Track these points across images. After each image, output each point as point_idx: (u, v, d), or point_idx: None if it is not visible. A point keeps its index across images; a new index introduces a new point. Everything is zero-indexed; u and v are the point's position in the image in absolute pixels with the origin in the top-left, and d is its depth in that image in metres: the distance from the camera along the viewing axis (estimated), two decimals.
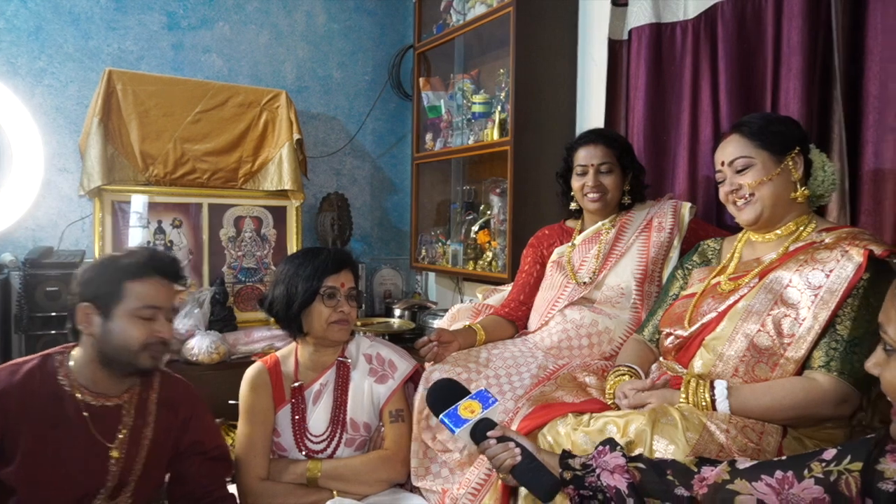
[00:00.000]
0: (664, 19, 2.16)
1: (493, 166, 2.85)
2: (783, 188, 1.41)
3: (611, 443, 1.12)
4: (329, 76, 3.46)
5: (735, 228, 1.62)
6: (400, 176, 3.67)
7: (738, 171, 1.43)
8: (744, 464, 0.98)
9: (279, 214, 3.09)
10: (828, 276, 1.27)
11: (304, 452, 1.67)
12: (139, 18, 2.98)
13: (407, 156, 3.55)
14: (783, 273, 1.34)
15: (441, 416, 1.26)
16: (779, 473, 0.92)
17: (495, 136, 2.67)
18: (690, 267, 1.62)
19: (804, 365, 1.27)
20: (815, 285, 1.28)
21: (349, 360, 1.74)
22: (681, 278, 1.63)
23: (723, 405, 1.27)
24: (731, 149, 1.45)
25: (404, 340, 2.83)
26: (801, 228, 1.41)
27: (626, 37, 2.29)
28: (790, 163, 1.41)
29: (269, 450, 1.68)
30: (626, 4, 2.28)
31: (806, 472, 0.89)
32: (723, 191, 1.48)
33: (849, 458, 0.86)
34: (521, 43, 2.51)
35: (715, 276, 1.49)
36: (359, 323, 3.01)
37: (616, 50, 2.34)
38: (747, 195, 1.42)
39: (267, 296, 1.72)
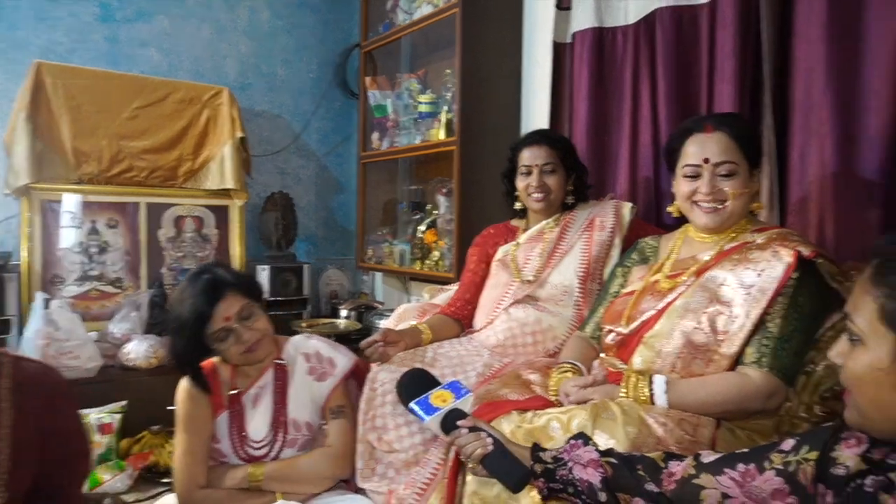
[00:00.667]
0: (606, 24, 2.21)
1: (440, 166, 2.86)
2: (748, 201, 1.44)
3: (583, 437, 1.11)
4: (273, 73, 3.40)
5: (673, 227, 1.67)
6: (346, 175, 3.64)
7: (723, 175, 1.41)
8: (708, 458, 0.99)
9: (221, 214, 3.02)
10: (759, 275, 1.32)
11: (244, 459, 1.64)
12: (70, 9, 2.86)
13: (353, 155, 3.52)
14: (718, 272, 1.38)
15: (411, 403, 1.22)
16: (741, 466, 0.93)
17: (442, 135, 2.68)
18: (630, 265, 1.66)
19: (737, 360, 1.32)
20: (747, 284, 1.33)
21: (286, 362, 1.71)
22: (621, 276, 1.67)
23: (661, 399, 1.31)
24: (718, 149, 1.40)
25: (351, 341, 2.80)
26: (738, 230, 1.45)
27: (569, 40, 2.34)
28: (755, 176, 1.44)
29: (208, 457, 1.63)
30: (569, 8, 2.33)
31: (766, 463, 0.91)
32: (692, 188, 1.44)
33: (806, 447, 0.88)
34: (467, 44, 2.52)
35: (653, 275, 1.53)
36: (304, 324, 2.97)
37: (560, 53, 2.38)
38: (724, 202, 1.41)
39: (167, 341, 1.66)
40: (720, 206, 1.42)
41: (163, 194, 2.88)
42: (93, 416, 2.16)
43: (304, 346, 1.74)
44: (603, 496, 1.02)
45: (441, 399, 1.20)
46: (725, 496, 0.93)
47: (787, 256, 1.31)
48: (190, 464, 1.59)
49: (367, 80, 3.20)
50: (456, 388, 1.22)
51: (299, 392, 1.68)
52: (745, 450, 0.97)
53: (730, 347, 1.31)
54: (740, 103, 1.78)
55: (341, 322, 3.12)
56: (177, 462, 1.61)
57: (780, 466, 0.89)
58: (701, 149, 1.42)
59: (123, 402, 2.26)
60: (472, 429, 1.16)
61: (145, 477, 2.13)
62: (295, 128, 3.48)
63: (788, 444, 0.90)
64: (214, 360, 1.68)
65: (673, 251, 1.55)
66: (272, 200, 3.27)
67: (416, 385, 1.26)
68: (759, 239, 1.40)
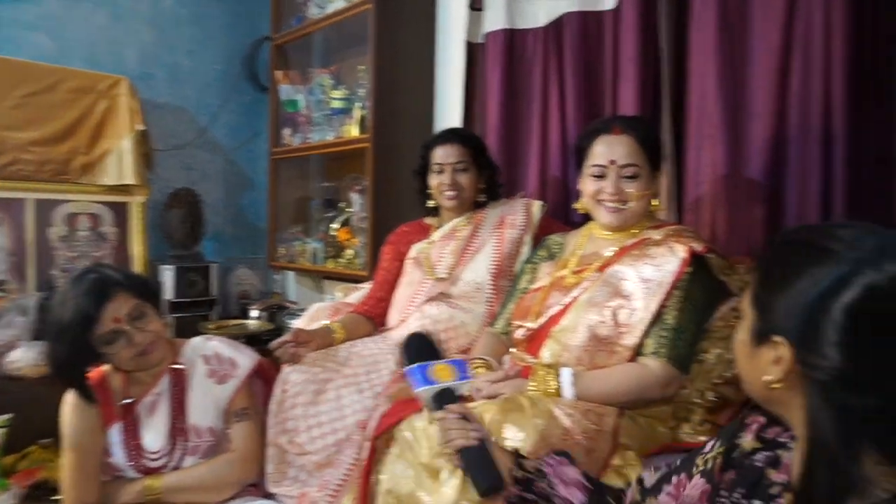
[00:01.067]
0: (517, 26, 2.26)
1: (354, 163, 2.82)
2: (648, 202, 1.51)
3: (568, 455, 1.08)
4: (177, 64, 3.24)
5: (581, 224, 1.72)
6: (256, 171, 3.53)
7: (627, 177, 1.47)
8: (650, 479, 1.01)
9: (120, 211, 2.85)
10: (657, 269, 1.39)
11: (139, 472, 1.54)
12: None
13: (263, 151, 3.42)
14: (620, 267, 1.45)
15: (410, 367, 1.14)
16: (675, 479, 0.96)
17: (355, 132, 2.65)
18: (538, 262, 1.71)
19: (637, 351, 1.39)
20: (646, 278, 1.40)
21: (184, 366, 1.62)
22: (529, 273, 1.71)
23: (569, 391, 1.35)
24: (624, 151, 1.46)
25: (262, 342, 2.72)
26: (638, 227, 1.53)
27: (482, 40, 2.37)
28: (656, 179, 1.51)
29: (99, 474, 1.53)
30: (482, 9, 2.36)
31: (694, 469, 0.94)
32: (598, 185, 1.49)
33: (719, 443, 0.93)
34: (381, 40, 2.50)
35: (560, 270, 1.58)
36: (212, 326, 2.86)
37: (473, 52, 2.41)
38: (627, 203, 1.48)
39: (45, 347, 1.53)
40: (623, 207, 1.48)
41: (54, 190, 2.68)
42: None
43: (202, 347, 1.66)
44: None
45: (441, 373, 1.13)
46: None
47: (681, 252, 1.39)
48: (79, 482, 1.49)
49: (278, 73, 3.12)
50: (462, 369, 1.14)
51: (199, 396, 1.60)
52: (678, 461, 0.99)
53: (630, 339, 1.38)
54: (642, 106, 1.86)
55: (252, 323, 3.02)
56: (65, 481, 1.50)
57: (703, 468, 0.94)
58: (608, 150, 1.48)
59: (8, 416, 2.09)
60: (462, 417, 1.08)
61: (33, 495, 1.97)
62: (201, 121, 3.34)
63: (709, 445, 0.95)
64: (104, 368, 1.58)
65: (578, 248, 1.60)
66: (177, 197, 3.12)
67: (420, 351, 1.21)
68: (657, 235, 1.47)
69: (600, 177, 1.49)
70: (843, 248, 0.72)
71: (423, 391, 1.13)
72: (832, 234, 0.74)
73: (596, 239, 1.58)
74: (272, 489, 1.59)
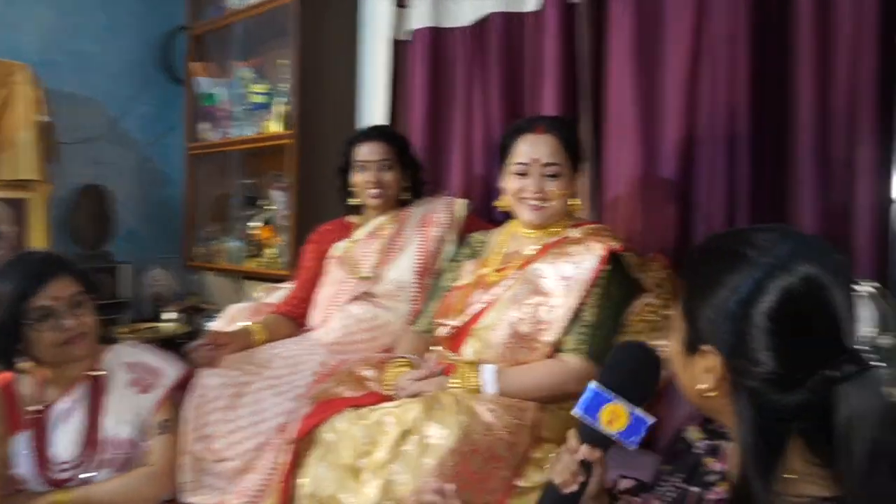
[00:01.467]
0: (443, 24, 2.26)
1: (275, 160, 2.75)
2: (567, 202, 1.54)
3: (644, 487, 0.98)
4: (83, 51, 3.05)
5: (503, 222, 1.75)
6: (172, 167, 3.37)
7: (549, 176, 1.49)
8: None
9: (19, 208, 2.65)
10: (575, 267, 1.43)
11: (47, 484, 1.45)
12: None
13: (180, 146, 3.27)
14: (540, 265, 1.48)
15: (595, 384, 0.93)
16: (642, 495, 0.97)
17: (277, 128, 2.59)
18: (461, 260, 1.72)
19: (556, 347, 1.42)
20: (565, 276, 1.43)
21: (104, 373, 1.54)
22: (453, 271, 1.71)
23: (490, 388, 1.37)
24: (547, 150, 1.49)
25: (178, 346, 2.61)
26: (559, 226, 1.56)
27: (407, 38, 2.36)
28: (577, 179, 1.55)
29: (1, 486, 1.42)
30: (407, 6, 2.35)
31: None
32: (521, 184, 1.51)
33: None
34: (304, 34, 2.45)
35: (482, 269, 1.59)
36: (124, 330, 2.71)
37: (398, 50, 2.39)
38: (548, 201, 1.50)
39: None
40: (544, 205, 1.51)
41: None
42: None
43: (126, 355, 1.59)
44: None
45: (612, 416, 0.91)
46: None
47: (599, 250, 1.43)
48: None
49: (196, 65, 3.00)
50: (635, 426, 0.90)
51: (119, 406, 1.52)
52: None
53: (550, 336, 1.41)
54: (563, 107, 1.91)
55: (167, 326, 2.89)
56: None
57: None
58: (531, 148, 1.51)
59: None
60: (585, 463, 0.91)
61: None
62: (112, 113, 3.15)
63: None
64: (10, 375, 1.48)
65: (500, 246, 1.62)
66: (85, 193, 2.94)
67: (629, 379, 0.93)
68: (577, 234, 1.51)
69: (523, 175, 1.51)
70: (758, 254, 0.74)
71: (581, 415, 0.93)
72: (748, 240, 0.76)
73: (518, 237, 1.61)
74: (189, 499, 1.53)
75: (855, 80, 1.46)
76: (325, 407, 1.41)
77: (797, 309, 0.71)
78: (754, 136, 1.59)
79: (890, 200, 1.47)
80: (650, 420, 0.91)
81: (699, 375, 0.78)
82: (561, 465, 0.93)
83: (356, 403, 1.39)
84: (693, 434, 0.93)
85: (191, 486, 1.53)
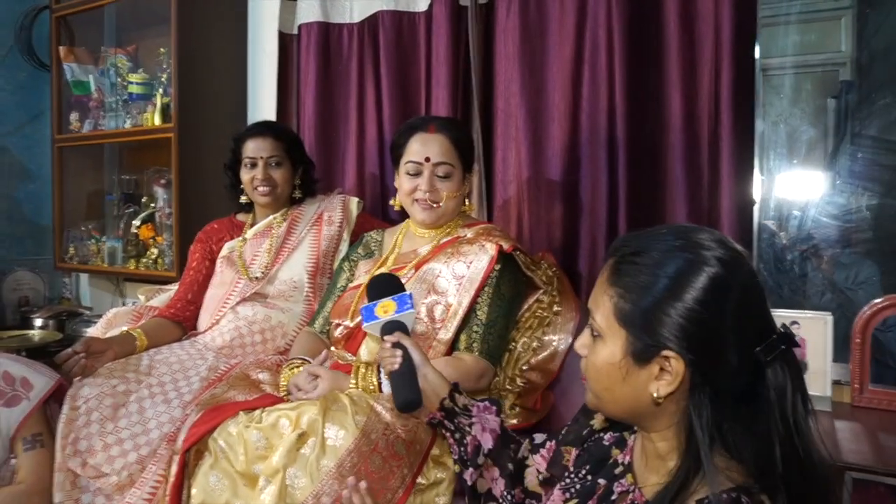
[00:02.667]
0: (332, 19, 2.23)
1: (157, 154, 2.59)
2: (461, 202, 1.57)
3: (498, 405, 1.14)
4: None
5: (398, 221, 1.76)
6: (37, 161, 3.08)
7: (440, 176, 1.51)
8: (538, 439, 1.09)
9: None
10: (468, 266, 1.47)
11: None
12: None
13: (46, 137, 3.00)
14: (435, 265, 1.50)
15: (364, 306, 1.23)
16: (548, 444, 1.06)
17: (157, 121, 2.44)
18: (356, 259, 1.71)
19: (452, 345, 1.45)
20: (459, 275, 1.47)
21: None
22: (347, 270, 1.71)
23: (387, 388, 1.37)
24: (439, 150, 1.50)
25: (50, 354, 2.41)
26: (452, 225, 1.59)
27: (296, 31, 2.31)
28: (468, 179, 1.58)
29: None
30: None
31: (560, 436, 1.03)
32: (413, 183, 1.52)
33: (581, 417, 1.01)
34: (185, 22, 2.33)
35: (378, 268, 1.60)
36: None
37: (287, 43, 2.33)
38: (438, 202, 1.52)
39: None
40: (435, 205, 1.53)
41: None
42: None
43: None
44: (480, 460, 1.07)
45: (384, 309, 1.22)
46: (539, 472, 1.05)
47: (490, 250, 1.48)
48: None
49: (62, 50, 2.76)
50: (402, 302, 1.22)
51: None
52: (564, 428, 1.05)
53: (446, 334, 1.44)
54: (454, 107, 1.95)
55: (36, 333, 2.65)
56: None
57: (563, 436, 1.02)
58: (423, 147, 1.52)
59: None
60: (396, 345, 1.17)
61: None
62: None
63: (574, 417, 1.02)
64: None
65: (396, 245, 1.64)
66: None
67: (380, 289, 1.25)
68: (469, 234, 1.55)
69: (415, 174, 1.53)
70: (708, 252, 0.74)
71: (368, 327, 1.24)
72: (688, 239, 0.76)
73: (413, 237, 1.62)
74: None
75: (717, 89, 1.60)
76: (215, 412, 1.35)
77: (751, 301, 0.74)
78: (631, 137, 1.70)
79: (751, 201, 1.63)
80: (407, 292, 1.24)
81: (649, 383, 0.76)
82: (381, 359, 1.18)
83: (249, 406, 1.35)
84: (597, 422, 0.95)
85: None
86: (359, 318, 1.50)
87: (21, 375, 1.48)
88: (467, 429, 1.10)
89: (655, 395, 0.75)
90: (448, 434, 1.13)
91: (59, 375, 1.52)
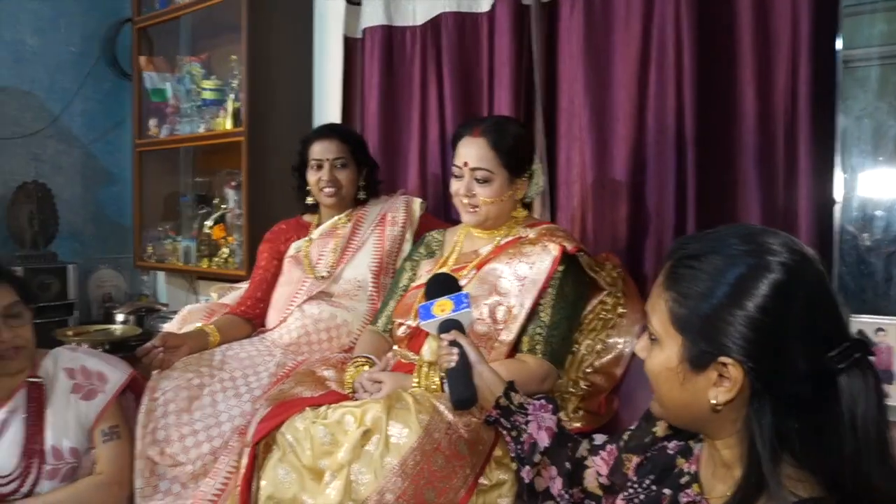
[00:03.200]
0: (395, 23, 2.26)
1: (228, 157, 2.70)
2: (509, 206, 1.55)
3: (554, 403, 1.14)
4: (21, 42, 2.93)
5: (459, 221, 1.76)
6: (119, 165, 3.27)
7: (478, 180, 1.50)
8: (599, 439, 1.08)
9: None
10: (531, 267, 1.46)
11: None
12: None
13: (127, 142, 3.18)
14: (496, 265, 1.50)
15: (421, 304, 1.26)
16: (609, 447, 1.04)
17: (228, 125, 2.54)
18: (418, 259, 1.73)
19: (515, 346, 1.44)
20: (521, 276, 1.46)
21: (43, 380, 1.48)
22: (409, 270, 1.72)
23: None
24: (478, 155, 1.49)
25: (130, 348, 2.54)
26: (513, 225, 1.58)
27: (360, 35, 2.35)
28: (520, 184, 1.55)
29: None
30: (359, 3, 2.33)
31: (621, 441, 1.02)
32: (456, 186, 1.54)
33: (643, 423, 0.98)
34: (254, 30, 2.41)
35: (439, 268, 1.61)
36: (70, 332, 2.62)
37: (351, 47, 2.38)
38: (476, 207, 1.52)
39: None
40: (474, 209, 1.53)
41: None
42: None
43: (66, 360, 1.52)
44: (536, 458, 1.07)
45: (441, 308, 1.23)
46: (599, 474, 1.04)
47: (553, 251, 1.46)
48: None
49: (142, 59, 2.91)
50: (458, 301, 1.24)
51: (61, 414, 1.47)
52: (619, 434, 1.05)
53: (508, 335, 1.43)
54: (516, 107, 1.94)
55: (117, 328, 2.81)
56: None
57: (622, 444, 1.01)
58: (465, 151, 1.52)
59: None
60: (453, 343, 1.19)
61: None
62: (52, 108, 3.03)
63: (634, 424, 1.01)
64: None
65: (457, 245, 1.64)
66: (24, 191, 2.82)
67: (437, 288, 1.27)
68: (531, 234, 1.54)
69: (459, 177, 1.53)
70: (771, 256, 0.71)
71: (425, 325, 1.26)
72: (754, 242, 0.73)
73: (473, 237, 1.63)
74: None
75: (794, 85, 1.53)
76: (283, 407, 1.39)
77: (818, 308, 0.71)
78: (701, 137, 1.64)
79: (832, 201, 1.54)
80: (463, 292, 1.26)
81: (707, 390, 0.74)
82: (437, 356, 1.21)
83: (315, 403, 1.38)
84: (660, 429, 0.93)
85: (145, 492, 1.49)
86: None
87: (97, 370, 1.54)
88: (524, 427, 1.10)
89: (714, 402, 0.73)
90: (505, 432, 1.13)
91: (133, 369, 1.59)
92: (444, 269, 1.58)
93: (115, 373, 1.55)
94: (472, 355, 1.17)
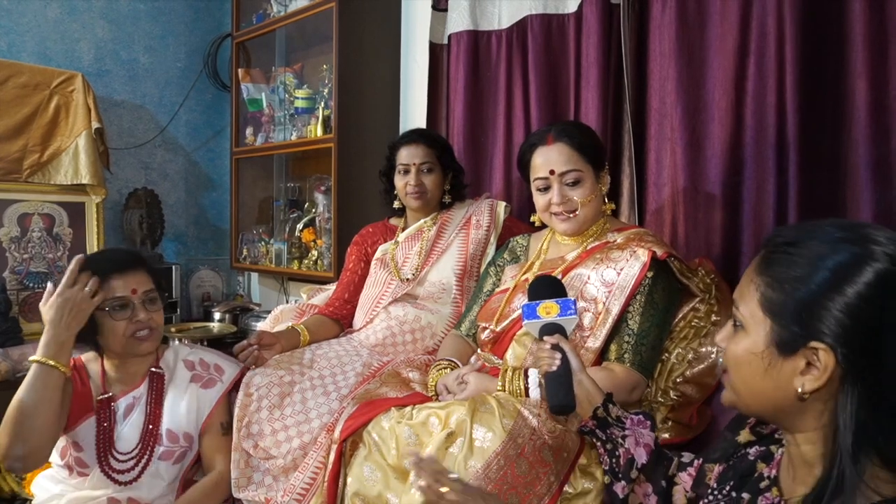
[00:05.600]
0: (481, 27, 2.27)
1: (318, 163, 2.80)
2: (599, 203, 1.52)
3: (652, 420, 1.12)
4: (135, 60, 3.16)
5: (544, 226, 1.74)
6: (218, 171, 3.46)
7: (570, 184, 1.47)
8: (687, 457, 1.06)
9: (76, 211, 2.76)
10: (619, 273, 1.41)
11: (106, 472, 1.50)
12: None
13: (226, 150, 3.36)
14: (583, 270, 1.46)
15: (524, 305, 1.25)
16: (695, 462, 1.02)
17: (319, 132, 2.63)
18: (502, 264, 1.72)
19: (602, 354, 1.41)
20: (608, 282, 1.42)
21: (164, 370, 1.60)
22: (493, 275, 1.72)
23: (535, 393, 1.36)
24: (562, 159, 1.46)
25: (226, 345, 2.68)
26: (599, 230, 1.55)
27: (445, 41, 2.37)
28: (603, 177, 1.52)
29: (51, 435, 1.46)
30: (445, 9, 2.36)
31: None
32: (545, 199, 1.50)
33: (728, 433, 0.95)
34: (345, 40, 2.49)
35: (524, 273, 1.59)
36: (173, 329, 2.80)
37: (437, 53, 2.41)
38: (575, 211, 1.48)
39: None
40: (572, 215, 1.49)
41: (4, 189, 2.59)
42: None
43: (184, 353, 1.65)
44: (633, 474, 1.06)
45: (546, 310, 1.22)
46: (686, 490, 1.02)
47: (642, 256, 1.41)
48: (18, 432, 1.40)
49: (240, 72, 3.07)
50: (566, 306, 1.22)
51: (179, 401, 1.58)
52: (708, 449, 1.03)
53: (595, 342, 1.40)
54: (604, 108, 1.89)
55: (215, 325, 2.97)
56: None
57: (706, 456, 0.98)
58: (546, 161, 1.49)
59: None
60: (555, 347, 1.17)
61: None
62: (161, 120, 3.26)
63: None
64: (81, 357, 1.55)
65: (542, 251, 1.62)
66: (135, 197, 3.04)
67: (543, 289, 1.26)
68: (619, 238, 1.49)
69: (546, 189, 1.50)
70: (876, 245, 0.70)
71: (528, 325, 1.23)
72: (857, 231, 0.72)
73: (558, 243, 1.60)
74: (238, 494, 1.56)
75: None
76: (369, 407, 1.42)
77: None
78: (804, 135, 1.54)
79: None
80: (571, 297, 1.22)
81: (794, 376, 0.73)
82: (538, 359, 1.17)
83: (400, 403, 1.41)
84: (742, 436, 0.91)
85: (240, 483, 1.56)
86: (504, 323, 1.50)
87: (214, 362, 1.65)
88: (620, 440, 1.07)
89: (800, 389, 0.72)
90: (599, 444, 1.10)
91: (243, 364, 1.68)
92: (529, 275, 1.57)
93: (231, 366, 1.65)
94: (574, 362, 1.14)
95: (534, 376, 1.38)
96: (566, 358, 1.14)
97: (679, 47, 1.73)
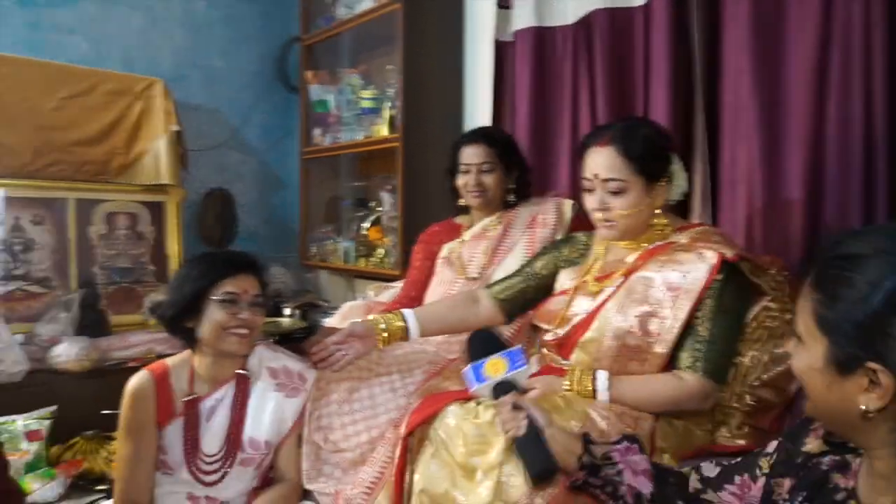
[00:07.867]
0: (546, 23, 2.25)
1: (384, 162, 2.84)
2: (647, 214, 1.43)
3: (638, 442, 1.08)
4: (210, 66, 3.30)
5: None
6: (287, 171, 3.57)
7: (611, 192, 1.39)
8: (709, 471, 1.01)
9: (157, 210, 2.91)
10: (685, 276, 1.34)
11: (193, 473, 1.54)
12: None
13: (294, 151, 3.46)
14: (646, 273, 1.39)
15: (467, 367, 1.19)
16: (738, 479, 0.97)
17: (385, 132, 2.67)
18: (558, 255, 1.65)
19: (671, 360, 1.36)
20: (674, 286, 1.35)
21: (249, 374, 1.61)
22: (549, 262, 1.65)
23: (603, 395, 1.33)
24: (607, 164, 1.38)
25: (295, 339, 2.76)
26: (659, 231, 1.46)
27: (510, 39, 2.36)
28: (659, 189, 1.42)
29: (153, 468, 1.54)
30: (510, 7, 2.35)
31: (757, 471, 0.94)
32: (589, 201, 1.44)
33: (783, 445, 0.92)
34: (410, 40, 2.52)
35: (583, 276, 1.54)
36: None
37: (502, 51, 2.40)
38: (612, 220, 1.42)
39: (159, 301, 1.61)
40: (609, 224, 1.43)
41: (93, 189, 2.75)
42: (20, 422, 2.06)
43: (268, 359, 1.65)
44: None
45: (494, 368, 1.16)
46: None
47: (710, 258, 1.33)
48: (131, 475, 1.50)
49: (308, 74, 3.15)
50: (513, 359, 1.16)
51: (262, 408, 1.59)
52: (738, 459, 0.99)
53: (662, 348, 1.35)
54: (674, 104, 1.84)
55: (285, 321, 3.06)
56: (118, 472, 1.52)
57: (767, 471, 0.93)
58: (593, 163, 1.41)
59: (52, 408, 2.16)
60: (516, 406, 1.11)
61: (78, 485, 2.04)
62: (233, 122, 3.39)
63: (772, 445, 0.94)
64: (167, 361, 1.61)
65: (601, 254, 1.55)
66: (211, 197, 3.18)
67: (481, 348, 1.22)
68: (683, 239, 1.42)
69: (590, 191, 1.44)
70: None
71: (477, 390, 1.17)
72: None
73: (615, 247, 1.53)
74: (308, 486, 1.61)
75: None
76: (432, 400, 1.43)
77: None
78: (895, 130, 1.45)
79: None
80: (516, 347, 1.16)
81: (856, 395, 0.71)
82: (501, 423, 1.12)
83: (463, 397, 1.40)
84: (812, 446, 0.87)
85: (310, 474, 1.61)
86: (567, 328, 1.47)
87: (297, 370, 1.64)
88: (616, 478, 1.02)
89: (864, 408, 0.71)
90: (599, 492, 1.04)
91: (315, 369, 1.67)
92: (588, 277, 1.52)
93: (312, 373, 1.65)
94: (540, 419, 1.07)
95: (603, 378, 1.35)
96: (531, 417, 1.07)
97: (755, 38, 1.66)
